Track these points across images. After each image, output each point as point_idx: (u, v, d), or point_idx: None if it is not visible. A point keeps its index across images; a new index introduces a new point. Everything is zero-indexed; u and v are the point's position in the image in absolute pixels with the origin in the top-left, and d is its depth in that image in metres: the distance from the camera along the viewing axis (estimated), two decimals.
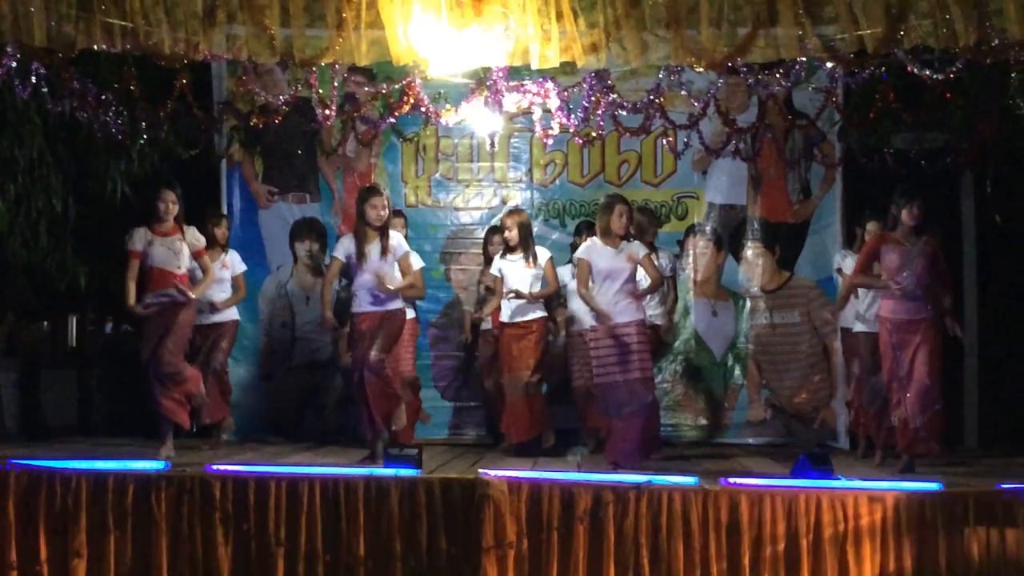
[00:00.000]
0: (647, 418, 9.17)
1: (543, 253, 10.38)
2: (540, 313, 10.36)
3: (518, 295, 10.13)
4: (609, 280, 9.23)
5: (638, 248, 9.37)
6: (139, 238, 9.32)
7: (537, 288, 10.27)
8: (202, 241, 9.63)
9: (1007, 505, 7.40)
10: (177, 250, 9.36)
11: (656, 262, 9.62)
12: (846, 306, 9.93)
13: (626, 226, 9.29)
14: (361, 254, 9.31)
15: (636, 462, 8.94)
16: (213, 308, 10.15)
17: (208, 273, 9.66)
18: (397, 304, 9.42)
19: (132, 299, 9.27)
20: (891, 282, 8.81)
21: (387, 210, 9.43)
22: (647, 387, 9.23)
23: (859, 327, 9.86)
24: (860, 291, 9.67)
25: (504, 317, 10.29)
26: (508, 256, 10.30)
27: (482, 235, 11.31)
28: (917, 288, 8.82)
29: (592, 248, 9.35)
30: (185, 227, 9.49)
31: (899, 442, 8.88)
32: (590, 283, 9.26)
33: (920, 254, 8.86)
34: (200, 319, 9.95)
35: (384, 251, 9.33)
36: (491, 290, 10.55)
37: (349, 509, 7.66)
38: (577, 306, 9.93)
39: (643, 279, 9.39)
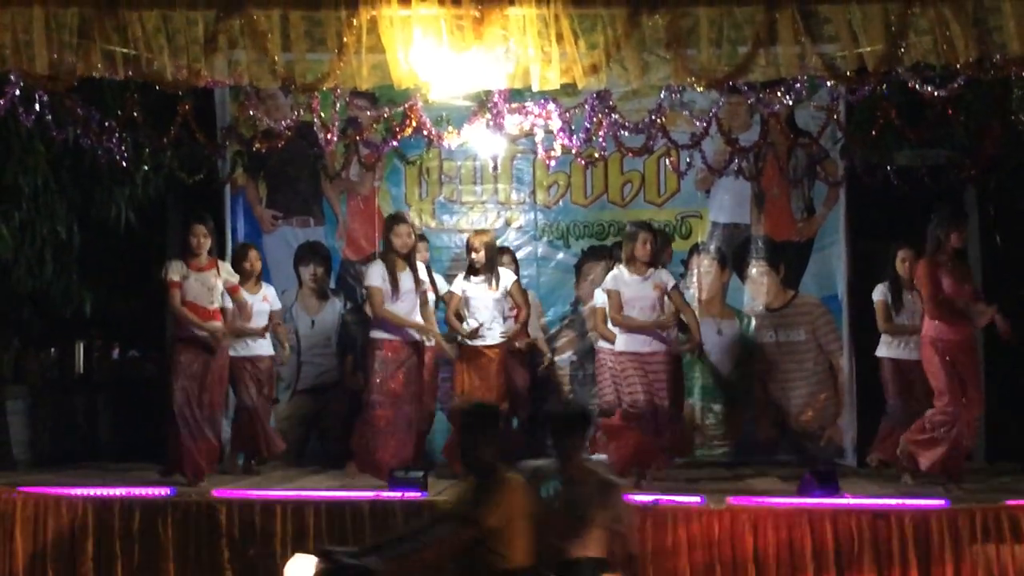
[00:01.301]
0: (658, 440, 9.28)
1: (507, 275, 10.22)
2: (500, 339, 10.15)
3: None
4: (635, 310, 9.26)
5: (667, 277, 9.45)
6: (176, 269, 9.37)
7: (500, 310, 10.11)
8: (236, 277, 9.69)
9: (1014, 521, 7.38)
10: (211, 286, 9.40)
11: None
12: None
13: (651, 253, 9.36)
14: (395, 283, 9.52)
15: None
16: (251, 338, 10.18)
17: (244, 311, 9.72)
18: (419, 337, 9.57)
19: (191, 317, 9.32)
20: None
21: (412, 236, 9.55)
22: (669, 414, 9.33)
23: (883, 352, 9.88)
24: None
25: (466, 341, 10.06)
26: (472, 278, 10.13)
27: None
28: (966, 308, 8.89)
29: (619, 278, 9.44)
30: (220, 263, 9.54)
31: (941, 464, 8.84)
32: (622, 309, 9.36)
33: (966, 279, 8.92)
34: (238, 350, 10.00)
35: (416, 282, 9.59)
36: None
37: (355, 532, 7.66)
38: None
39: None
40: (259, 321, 10.22)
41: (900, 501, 7.87)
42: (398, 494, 7.92)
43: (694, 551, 7.46)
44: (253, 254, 10.38)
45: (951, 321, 8.82)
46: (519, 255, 11.28)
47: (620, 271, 9.47)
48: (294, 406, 11.66)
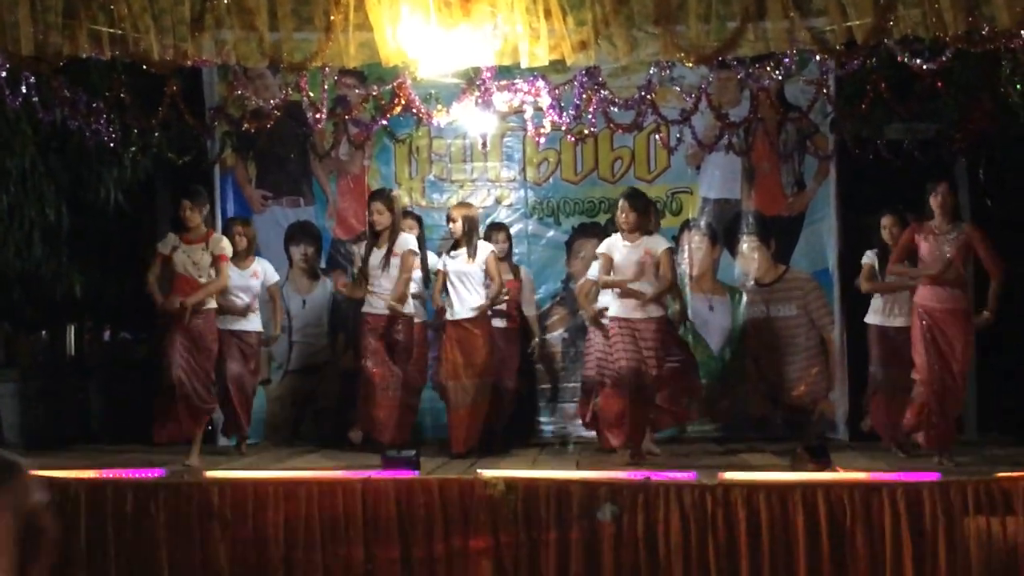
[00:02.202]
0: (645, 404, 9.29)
1: (484, 248, 10.21)
2: (477, 313, 10.14)
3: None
4: (620, 274, 9.28)
5: (658, 243, 9.43)
6: (168, 242, 9.55)
7: (478, 282, 10.11)
8: (226, 249, 9.64)
9: (1006, 494, 7.39)
10: (197, 259, 9.45)
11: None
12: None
13: (627, 221, 9.34)
14: (365, 260, 9.76)
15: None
16: (237, 312, 10.14)
17: (219, 278, 9.59)
18: (408, 309, 9.61)
19: (155, 290, 9.49)
20: (926, 272, 8.90)
21: (384, 214, 9.57)
22: (655, 382, 9.30)
23: (870, 319, 9.90)
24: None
25: (450, 315, 10.06)
26: (452, 252, 10.16)
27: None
28: (956, 277, 8.89)
29: (612, 242, 9.49)
30: (214, 236, 9.55)
31: (920, 437, 8.92)
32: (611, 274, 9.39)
33: (954, 242, 8.90)
34: (224, 324, 9.98)
35: (388, 256, 9.69)
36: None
37: (348, 512, 7.66)
38: (605, 300, 9.84)
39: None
40: (242, 296, 10.19)
41: (892, 475, 7.88)
42: (391, 473, 7.90)
43: (686, 527, 7.46)
44: (238, 228, 10.32)
45: (936, 288, 8.87)
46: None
47: (615, 237, 9.51)
48: (286, 386, 11.64)
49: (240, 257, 10.13)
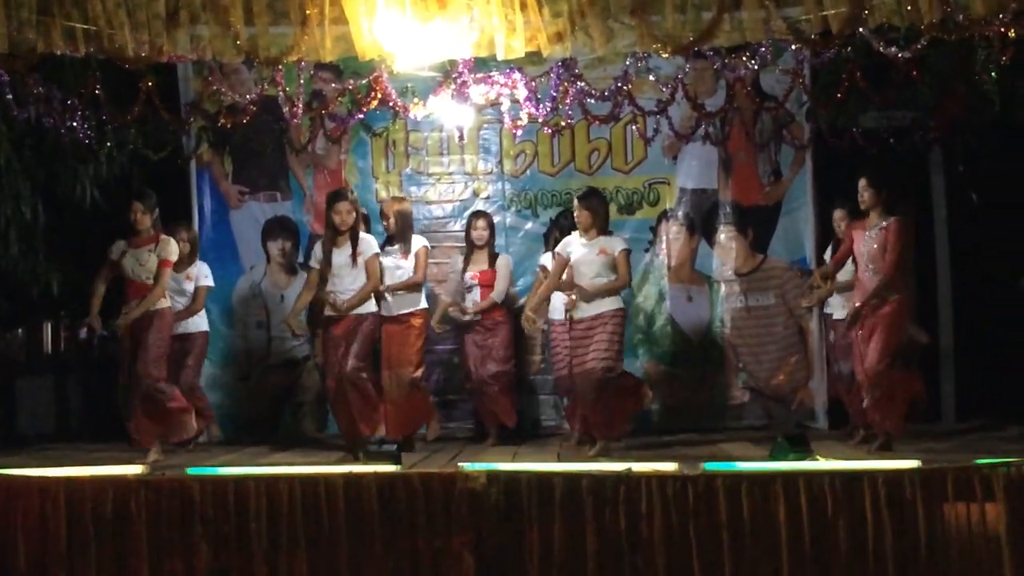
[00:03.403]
0: (615, 399, 9.34)
1: (418, 241, 10.30)
2: (421, 305, 10.28)
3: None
4: (576, 272, 9.32)
5: (615, 243, 9.45)
6: (116, 249, 9.37)
7: (411, 276, 10.19)
8: (172, 254, 9.49)
9: (986, 480, 7.41)
10: (144, 261, 9.31)
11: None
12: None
13: (583, 220, 9.41)
14: (328, 261, 9.50)
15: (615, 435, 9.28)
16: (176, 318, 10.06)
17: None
18: (368, 308, 9.51)
19: (95, 307, 9.37)
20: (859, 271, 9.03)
21: (352, 214, 9.51)
22: (610, 375, 9.31)
23: (839, 314, 9.96)
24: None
25: (384, 311, 10.05)
26: (387, 247, 10.18)
27: (455, 228, 11.43)
28: (868, 272, 9.00)
29: (570, 240, 9.51)
30: (163, 238, 9.44)
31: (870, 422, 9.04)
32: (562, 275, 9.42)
33: (875, 238, 8.95)
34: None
35: (354, 256, 9.47)
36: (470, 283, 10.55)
37: (330, 507, 7.63)
38: (554, 297, 9.91)
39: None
40: (179, 301, 10.20)
41: (872, 463, 7.90)
42: (372, 468, 7.89)
43: (668, 518, 7.46)
44: (183, 234, 10.27)
45: (860, 288, 9.07)
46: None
47: (572, 236, 9.56)
48: (265, 381, 11.62)
49: (183, 263, 10.09)
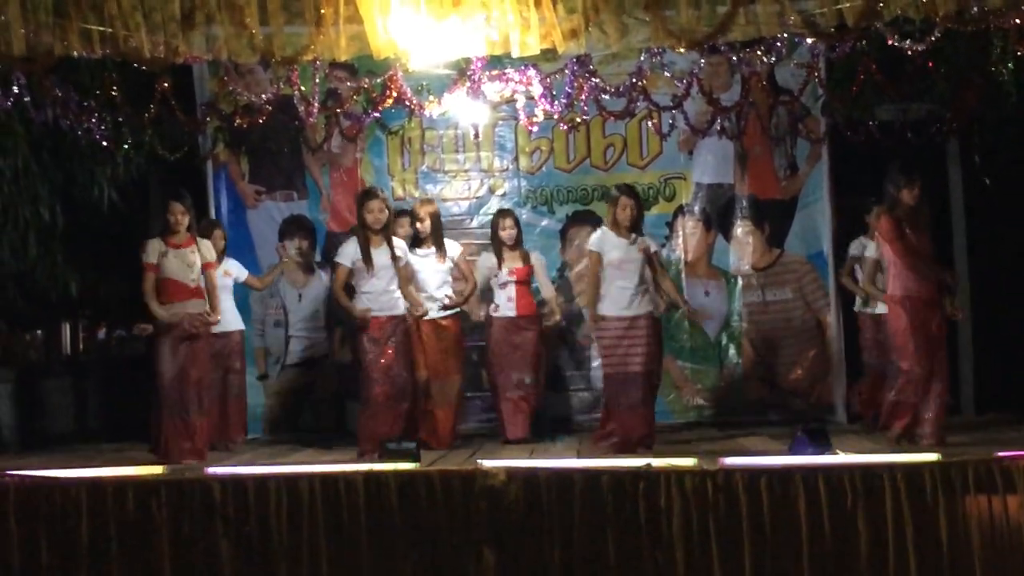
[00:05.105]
0: (645, 411, 9.25)
1: (454, 246, 10.24)
2: (455, 310, 10.22)
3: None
4: (621, 271, 9.22)
5: (651, 243, 9.41)
6: (153, 250, 9.19)
7: (447, 282, 10.15)
8: (213, 255, 9.57)
9: (1006, 473, 7.39)
10: (191, 263, 9.26)
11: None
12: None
13: (631, 217, 9.28)
14: (368, 259, 9.40)
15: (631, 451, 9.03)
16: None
17: (213, 289, 9.51)
18: (401, 311, 9.51)
19: (157, 310, 9.15)
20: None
21: (384, 212, 9.47)
22: (650, 382, 9.28)
23: (870, 308, 9.92)
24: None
25: (419, 313, 9.83)
26: (417, 250, 10.05)
27: (471, 225, 11.47)
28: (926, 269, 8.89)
29: (604, 239, 9.35)
30: (200, 240, 9.44)
31: (901, 424, 8.92)
32: (600, 274, 9.30)
33: (925, 231, 8.89)
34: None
35: (393, 257, 9.46)
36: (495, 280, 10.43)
37: (350, 505, 7.64)
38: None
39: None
40: (221, 298, 10.16)
41: (892, 457, 7.88)
42: (392, 466, 7.90)
43: (688, 513, 7.46)
44: (218, 232, 10.30)
45: (923, 276, 8.81)
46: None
47: (605, 232, 9.39)
48: (284, 380, 11.65)
49: (217, 260, 10.10)
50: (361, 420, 9.53)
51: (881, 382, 9.65)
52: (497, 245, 10.41)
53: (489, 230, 10.55)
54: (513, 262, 10.34)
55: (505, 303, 10.33)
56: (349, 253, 9.50)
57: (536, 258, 10.61)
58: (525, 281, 10.41)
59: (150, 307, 9.16)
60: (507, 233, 10.36)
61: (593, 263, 9.37)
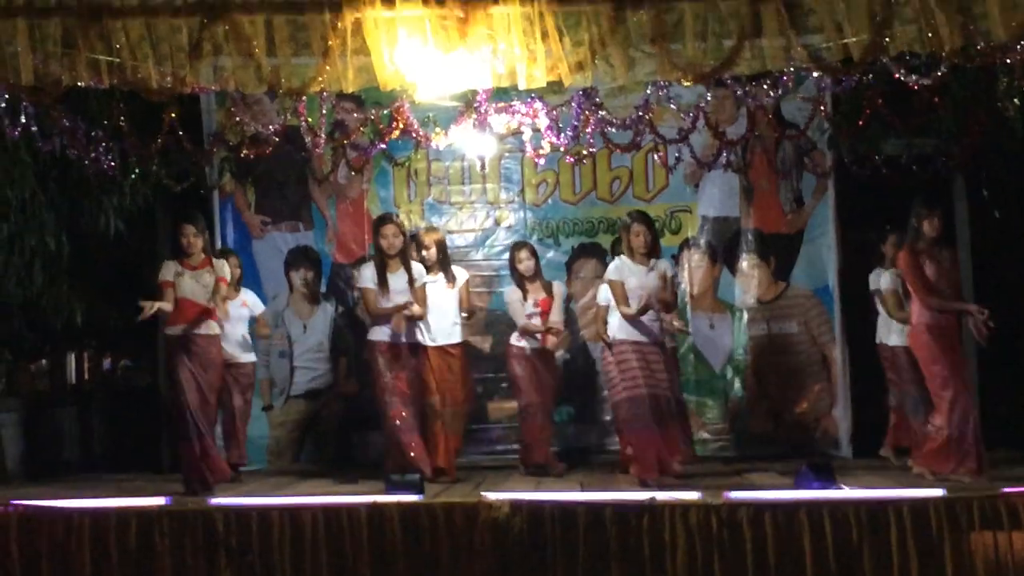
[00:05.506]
0: (665, 434, 9.19)
1: (460, 274, 10.23)
2: (461, 338, 10.17)
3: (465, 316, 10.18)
4: (639, 299, 9.14)
5: (667, 267, 9.39)
6: (169, 270, 9.27)
7: (458, 308, 10.11)
8: (227, 273, 9.57)
9: (1012, 508, 7.38)
10: (206, 283, 9.28)
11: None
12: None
13: (646, 243, 9.25)
14: (384, 283, 9.46)
15: (654, 475, 8.97)
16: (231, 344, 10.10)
17: (221, 307, 9.56)
18: (417, 336, 9.57)
19: (169, 306, 9.19)
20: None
21: (399, 237, 9.49)
22: (668, 406, 9.25)
23: (895, 340, 9.84)
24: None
25: (428, 340, 9.87)
26: (427, 276, 9.99)
27: (477, 257, 11.48)
28: (952, 300, 8.91)
29: (622, 267, 9.29)
30: (215, 261, 9.47)
31: (947, 458, 8.83)
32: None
33: (952, 266, 8.90)
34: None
35: (410, 282, 9.50)
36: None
37: (353, 537, 7.64)
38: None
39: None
40: (238, 327, 10.20)
41: (897, 492, 7.86)
42: (395, 498, 7.88)
43: (692, 547, 7.44)
44: (233, 260, 10.24)
45: (940, 309, 8.81)
46: (507, 255, 11.28)
47: (623, 261, 9.31)
48: (288, 411, 11.64)
49: (232, 288, 10.09)
50: (387, 445, 9.62)
51: (903, 415, 9.66)
52: (517, 278, 10.37)
53: (494, 262, 10.57)
54: (537, 293, 10.30)
55: (532, 335, 10.29)
56: (368, 276, 9.60)
57: (557, 287, 10.54)
58: (550, 312, 10.35)
59: (172, 314, 9.21)
60: (524, 265, 10.31)
61: (618, 294, 9.22)
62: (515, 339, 10.33)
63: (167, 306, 9.17)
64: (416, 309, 9.50)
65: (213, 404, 9.39)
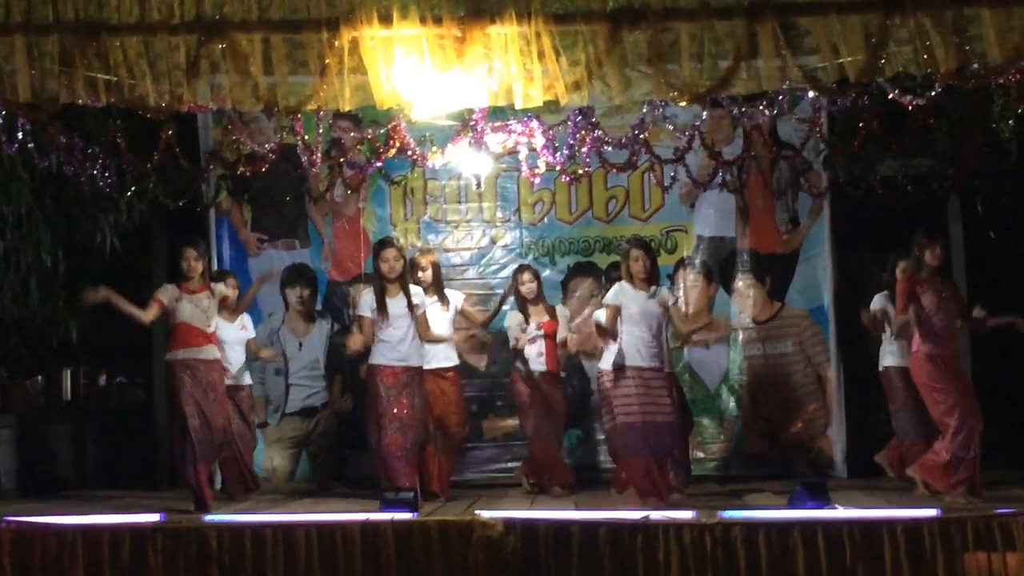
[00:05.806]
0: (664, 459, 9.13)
1: (456, 296, 10.24)
2: (456, 361, 10.22)
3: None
4: (641, 325, 9.08)
5: (668, 294, 9.34)
6: (167, 292, 9.29)
7: (451, 330, 10.15)
8: (230, 292, 9.69)
9: (1005, 529, 7.38)
10: (204, 308, 9.28)
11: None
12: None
13: (645, 269, 9.17)
14: (383, 310, 9.37)
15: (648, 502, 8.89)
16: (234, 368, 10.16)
17: (231, 303, 9.66)
18: (418, 361, 9.48)
19: (136, 312, 9.25)
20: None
21: (400, 261, 9.44)
22: (672, 433, 9.17)
23: (890, 361, 9.84)
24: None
25: (425, 364, 9.73)
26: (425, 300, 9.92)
27: (472, 276, 11.43)
28: (950, 328, 8.95)
29: (622, 292, 9.20)
30: (213, 285, 9.49)
31: (945, 477, 8.84)
32: (618, 326, 9.15)
33: (953, 297, 8.92)
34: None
35: (410, 306, 9.43)
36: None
37: (346, 554, 7.63)
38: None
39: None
40: (236, 350, 10.20)
41: (891, 512, 7.86)
42: (389, 516, 7.87)
43: (686, 567, 7.43)
44: (231, 281, 10.22)
45: (939, 340, 8.83)
46: (504, 273, 11.32)
47: (623, 287, 9.21)
48: (283, 429, 11.63)
49: (233, 313, 10.07)
50: (380, 470, 9.41)
51: (910, 435, 9.70)
52: (520, 301, 10.37)
53: (490, 281, 10.58)
54: (539, 316, 10.31)
55: (535, 357, 10.25)
56: (367, 303, 9.48)
57: (560, 310, 10.58)
58: (553, 335, 10.33)
59: (138, 315, 9.26)
60: (527, 288, 10.32)
61: (610, 316, 9.16)
62: (519, 364, 10.33)
63: (128, 307, 9.21)
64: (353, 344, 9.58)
65: (218, 428, 9.29)
